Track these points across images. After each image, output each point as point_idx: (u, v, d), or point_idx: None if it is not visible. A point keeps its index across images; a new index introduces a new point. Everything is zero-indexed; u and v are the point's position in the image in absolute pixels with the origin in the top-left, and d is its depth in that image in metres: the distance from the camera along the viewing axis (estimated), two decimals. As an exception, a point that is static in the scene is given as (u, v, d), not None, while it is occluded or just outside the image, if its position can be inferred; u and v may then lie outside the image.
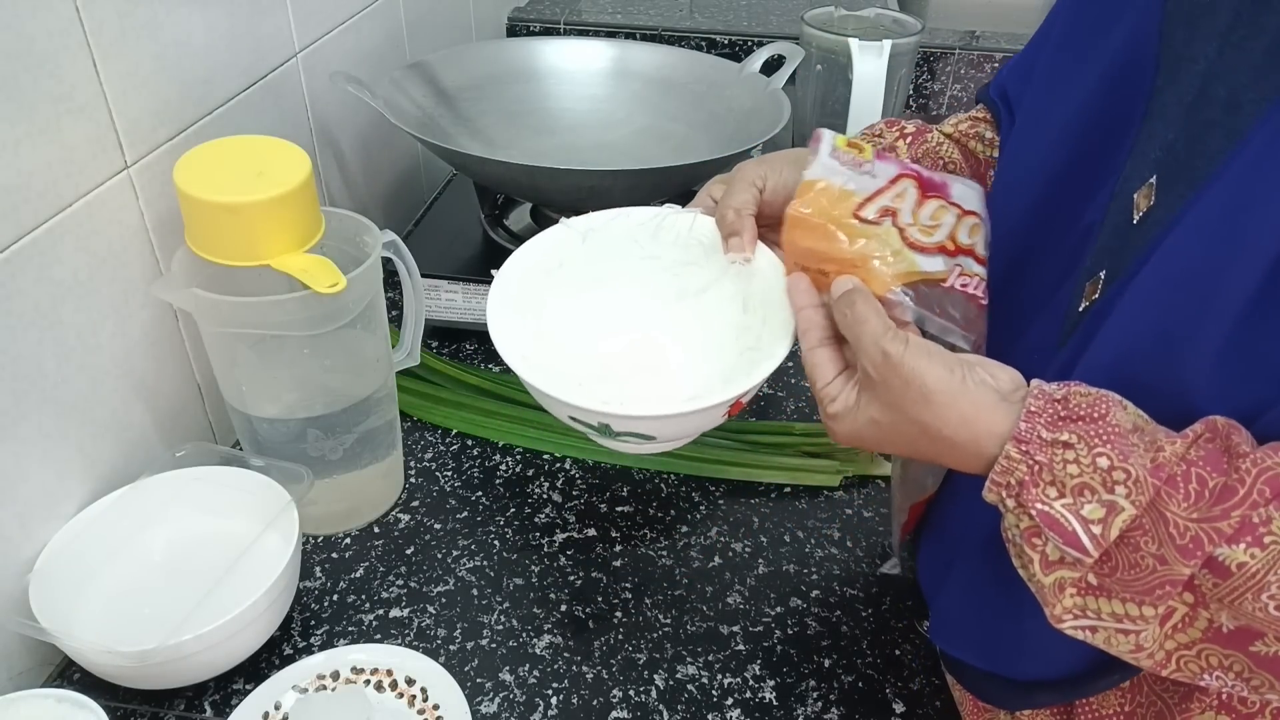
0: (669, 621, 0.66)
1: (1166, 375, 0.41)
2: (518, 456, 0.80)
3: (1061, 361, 0.48)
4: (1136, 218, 0.45)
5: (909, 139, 0.64)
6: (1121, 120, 0.47)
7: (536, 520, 0.74)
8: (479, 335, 0.93)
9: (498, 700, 0.61)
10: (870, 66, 0.99)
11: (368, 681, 0.60)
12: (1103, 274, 0.46)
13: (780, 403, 0.86)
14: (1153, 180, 0.44)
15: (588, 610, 0.67)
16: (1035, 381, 0.43)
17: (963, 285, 0.51)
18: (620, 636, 0.65)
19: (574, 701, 0.61)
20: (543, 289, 0.58)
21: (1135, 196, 0.45)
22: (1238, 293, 0.38)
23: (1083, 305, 0.47)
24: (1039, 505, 0.40)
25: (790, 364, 0.90)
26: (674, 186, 0.91)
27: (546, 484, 0.77)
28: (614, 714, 0.60)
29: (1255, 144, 0.38)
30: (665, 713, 0.60)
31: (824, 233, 0.51)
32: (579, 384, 0.53)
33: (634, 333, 0.58)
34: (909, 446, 0.46)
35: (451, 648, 0.64)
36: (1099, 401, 0.41)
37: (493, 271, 0.57)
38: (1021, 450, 0.41)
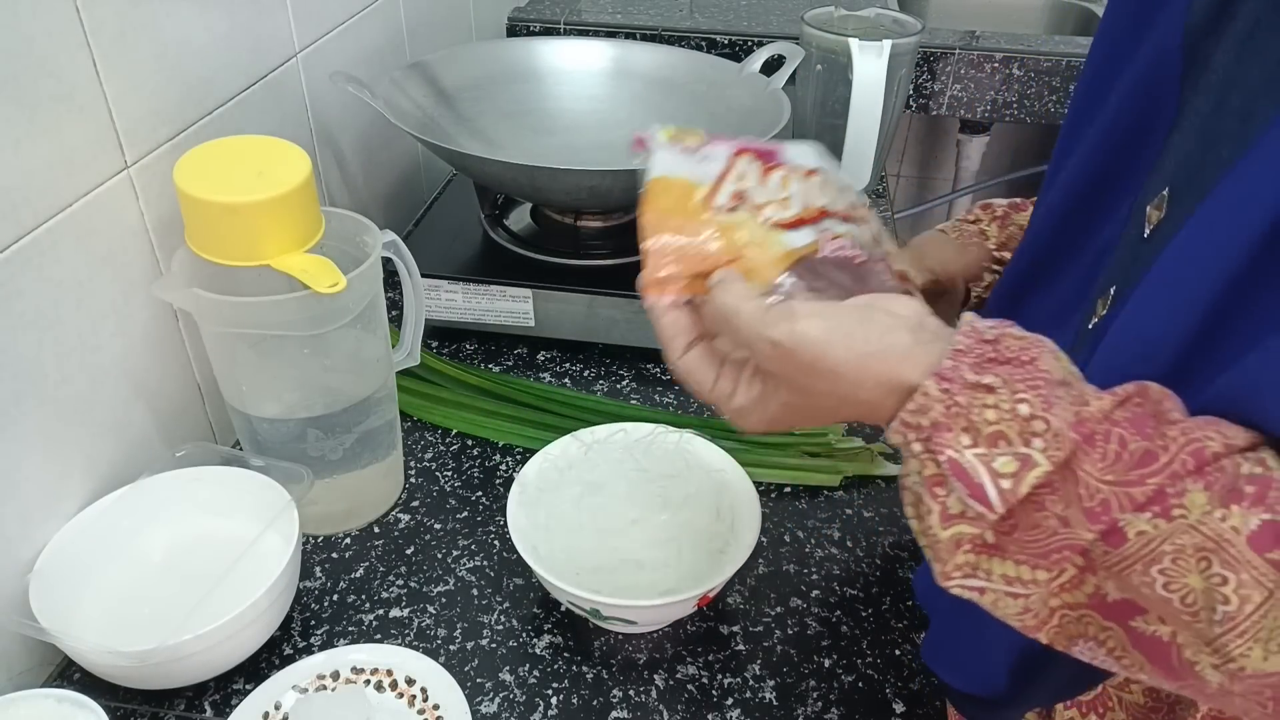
0: (668, 621, 0.66)
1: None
2: (518, 456, 0.80)
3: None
4: (1148, 231, 0.44)
5: (999, 220, 0.65)
6: (1144, 135, 0.47)
7: (536, 520, 0.74)
8: (479, 335, 0.93)
9: (498, 700, 0.61)
10: (870, 66, 0.98)
11: (368, 681, 0.60)
12: (1113, 290, 0.45)
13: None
14: (1165, 193, 0.43)
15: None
16: (968, 315, 0.41)
17: (836, 250, 0.48)
18: (620, 636, 0.65)
19: (574, 701, 0.61)
20: (553, 488, 0.69)
21: (1148, 210, 0.44)
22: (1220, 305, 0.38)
23: (1092, 322, 0.47)
24: (949, 451, 0.37)
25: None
26: (674, 186, 0.91)
27: (546, 484, 0.77)
28: (614, 714, 0.60)
29: (1260, 151, 0.37)
30: (665, 713, 0.60)
31: (685, 228, 0.48)
32: (576, 573, 0.63)
33: (623, 533, 0.67)
34: (831, 415, 0.44)
35: (451, 648, 0.64)
36: (1031, 346, 0.39)
37: (514, 474, 0.69)
38: (942, 388, 0.38)
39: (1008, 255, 0.65)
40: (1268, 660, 0.33)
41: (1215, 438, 0.35)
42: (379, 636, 0.65)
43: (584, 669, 0.63)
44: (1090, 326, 0.47)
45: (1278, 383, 0.32)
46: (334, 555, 0.71)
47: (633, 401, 0.86)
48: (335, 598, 0.68)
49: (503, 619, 0.66)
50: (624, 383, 0.89)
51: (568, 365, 0.91)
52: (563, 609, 0.67)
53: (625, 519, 0.68)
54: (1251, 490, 0.33)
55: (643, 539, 0.67)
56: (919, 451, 0.39)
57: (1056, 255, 0.53)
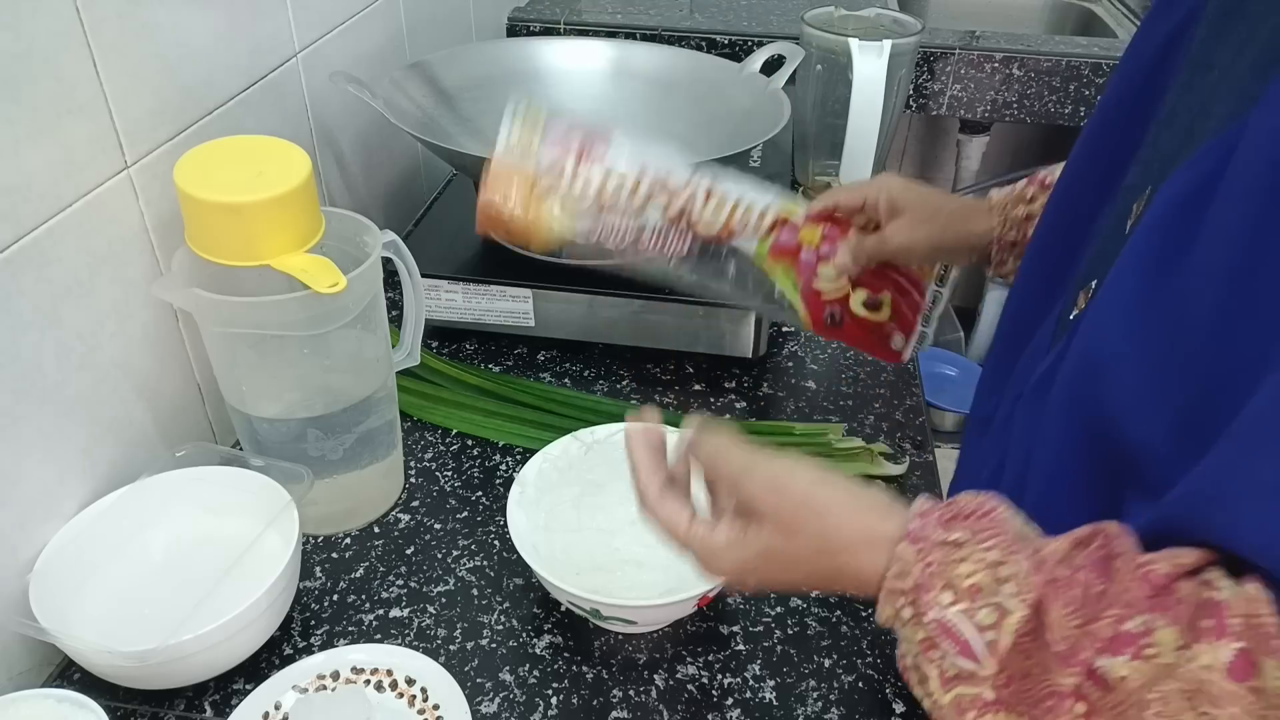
0: (668, 622, 0.66)
1: (1113, 389, 0.40)
2: (518, 456, 0.80)
3: (1044, 368, 0.47)
4: (1128, 227, 0.44)
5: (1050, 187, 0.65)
6: (1140, 124, 0.47)
7: (536, 520, 0.74)
8: (479, 335, 0.93)
9: (498, 700, 0.61)
10: (870, 66, 0.98)
11: (368, 681, 0.60)
12: (1094, 283, 0.46)
13: (780, 403, 0.86)
14: (1148, 190, 0.43)
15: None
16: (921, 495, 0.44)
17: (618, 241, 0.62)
18: (620, 636, 0.65)
19: (574, 701, 0.61)
20: (553, 487, 0.69)
21: (1134, 205, 0.44)
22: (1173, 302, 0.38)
23: (1074, 313, 0.47)
24: (933, 611, 0.39)
25: (790, 363, 0.90)
26: (674, 186, 0.91)
27: (546, 484, 0.77)
28: (614, 714, 0.60)
29: (1206, 149, 0.37)
30: (665, 713, 0.60)
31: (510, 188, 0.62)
32: (576, 573, 0.64)
33: (623, 533, 0.68)
34: (808, 567, 0.45)
35: (451, 648, 0.64)
36: (986, 501, 0.41)
37: (514, 474, 0.69)
38: (916, 550, 0.40)
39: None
40: None
41: (1161, 561, 0.36)
42: (379, 636, 0.65)
43: (584, 669, 0.63)
44: (1071, 318, 0.47)
45: (1231, 494, 0.32)
46: (334, 555, 0.71)
47: (633, 401, 0.86)
48: (335, 598, 0.68)
49: (503, 619, 0.66)
50: (624, 383, 0.89)
51: (568, 365, 0.91)
52: (563, 609, 0.67)
53: (625, 519, 0.68)
54: (1210, 624, 0.34)
55: (643, 539, 0.67)
56: (909, 618, 0.40)
57: (1058, 242, 0.53)
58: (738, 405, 0.86)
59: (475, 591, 0.68)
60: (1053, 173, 0.66)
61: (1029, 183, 0.68)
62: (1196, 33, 0.44)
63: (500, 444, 0.81)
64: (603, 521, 0.68)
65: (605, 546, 0.67)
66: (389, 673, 0.61)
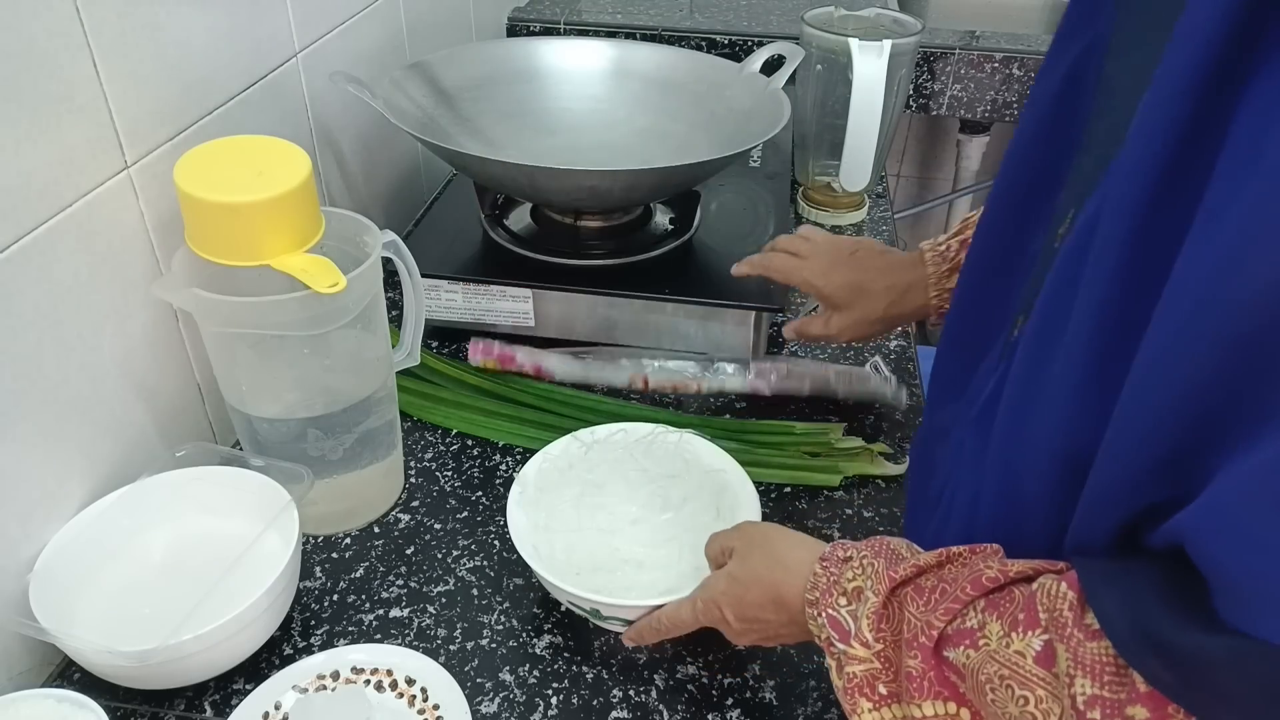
0: (669, 621, 0.66)
1: (1044, 414, 0.42)
2: (518, 456, 0.80)
3: (989, 390, 0.48)
4: (1057, 242, 0.45)
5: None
6: (1061, 154, 0.48)
7: (536, 520, 0.74)
8: (479, 335, 0.93)
9: (498, 700, 0.61)
10: (870, 66, 0.98)
11: (368, 681, 0.60)
12: (1035, 303, 0.46)
13: (780, 402, 0.86)
14: (1072, 213, 0.44)
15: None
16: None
17: None
18: (620, 636, 0.65)
19: (574, 701, 0.61)
20: (553, 487, 0.69)
21: (1059, 230, 0.45)
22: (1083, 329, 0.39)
23: (1014, 334, 0.48)
24: (829, 611, 0.47)
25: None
26: (674, 186, 0.91)
27: (546, 484, 0.77)
28: (614, 714, 0.60)
29: (1120, 164, 0.38)
30: (665, 713, 0.60)
31: None
32: (576, 573, 0.64)
33: (623, 533, 0.68)
34: (757, 587, 0.53)
35: (451, 648, 0.64)
36: (886, 537, 0.49)
37: (514, 474, 0.70)
38: (822, 566, 0.49)
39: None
40: None
41: (993, 566, 0.42)
42: (379, 636, 0.65)
43: (584, 669, 0.63)
44: (1012, 339, 0.48)
45: (1221, 526, 0.32)
46: (334, 555, 0.71)
47: (632, 400, 0.86)
48: (335, 598, 0.68)
49: (503, 619, 0.66)
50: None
51: (568, 365, 0.91)
52: (562, 609, 0.67)
53: (625, 519, 0.68)
54: (1024, 616, 0.39)
55: (643, 539, 0.67)
56: (820, 623, 0.48)
57: (998, 263, 0.53)
58: (738, 405, 0.86)
59: (475, 591, 0.68)
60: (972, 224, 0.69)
61: (960, 246, 0.70)
62: (1106, 62, 0.45)
63: (500, 444, 0.81)
64: (603, 521, 0.68)
65: (605, 546, 0.67)
66: (389, 673, 0.61)
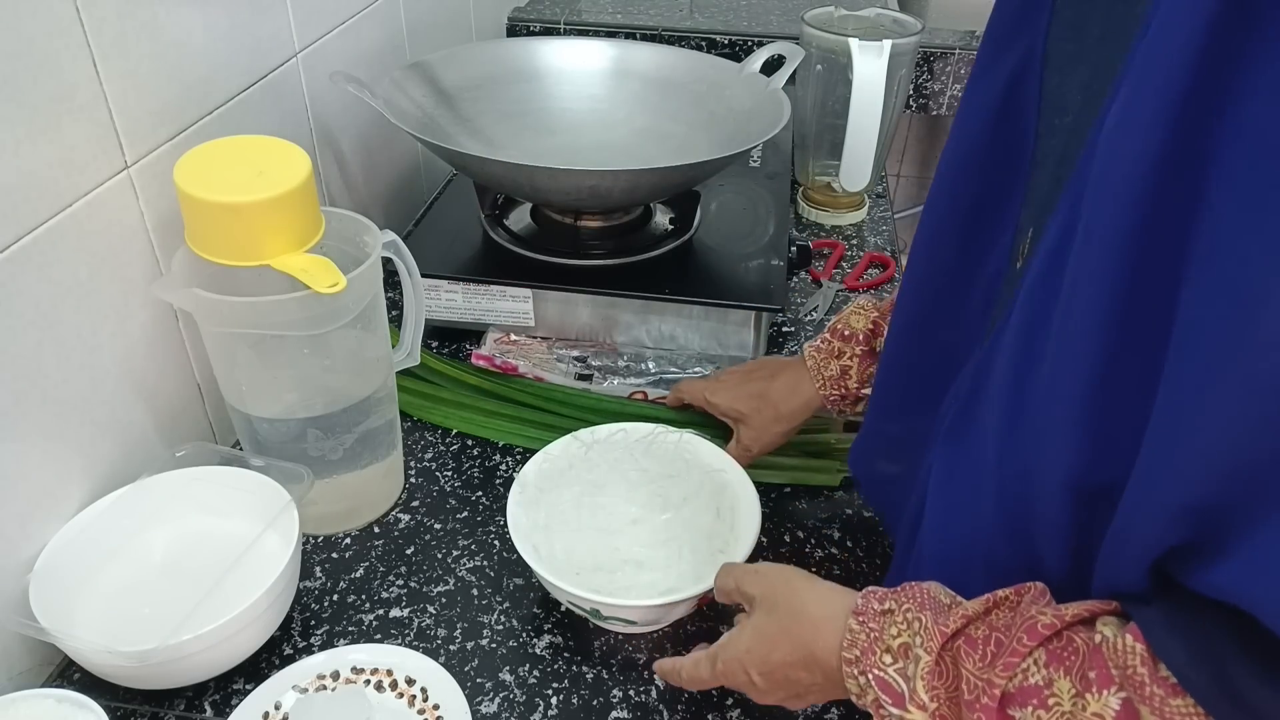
0: (668, 621, 0.66)
1: (1048, 445, 0.41)
2: (518, 456, 0.80)
3: (958, 408, 0.48)
4: (1020, 262, 0.45)
5: (862, 355, 0.70)
6: (1009, 169, 0.47)
7: (536, 520, 0.74)
8: (479, 335, 0.93)
9: (498, 700, 0.61)
10: (870, 66, 0.98)
11: (368, 681, 0.60)
12: (995, 321, 0.47)
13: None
14: (1030, 232, 0.44)
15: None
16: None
17: None
18: (620, 636, 0.65)
19: (574, 701, 0.61)
20: (553, 487, 0.69)
21: (1020, 246, 0.45)
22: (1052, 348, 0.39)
23: (980, 357, 0.48)
24: (875, 672, 0.44)
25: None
26: (674, 186, 0.91)
27: (546, 484, 0.77)
28: (614, 714, 0.60)
29: (1074, 181, 0.38)
30: (665, 713, 0.60)
31: None
32: (576, 573, 0.64)
33: (624, 533, 0.68)
34: (785, 642, 0.49)
35: (451, 648, 0.64)
36: (923, 582, 0.46)
37: (514, 474, 0.70)
38: (859, 621, 0.46)
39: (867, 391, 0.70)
40: None
41: (1047, 613, 0.40)
42: (379, 636, 0.65)
43: (584, 669, 0.63)
44: (979, 361, 0.48)
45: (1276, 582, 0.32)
46: (334, 555, 0.71)
47: (634, 399, 0.86)
48: (335, 598, 0.68)
49: (503, 619, 0.66)
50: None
51: (568, 365, 0.91)
52: (562, 609, 0.67)
53: (625, 519, 0.68)
54: (1095, 675, 0.37)
55: (643, 539, 0.67)
56: (863, 684, 0.45)
57: (952, 287, 0.53)
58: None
59: (475, 591, 0.68)
60: (847, 322, 0.71)
61: (832, 336, 0.71)
62: (1047, 76, 0.45)
63: (500, 444, 0.81)
64: (603, 521, 0.68)
65: (605, 546, 0.67)
66: (389, 673, 0.61)
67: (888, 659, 0.44)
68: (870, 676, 0.44)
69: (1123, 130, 0.34)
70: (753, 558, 0.70)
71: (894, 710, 0.43)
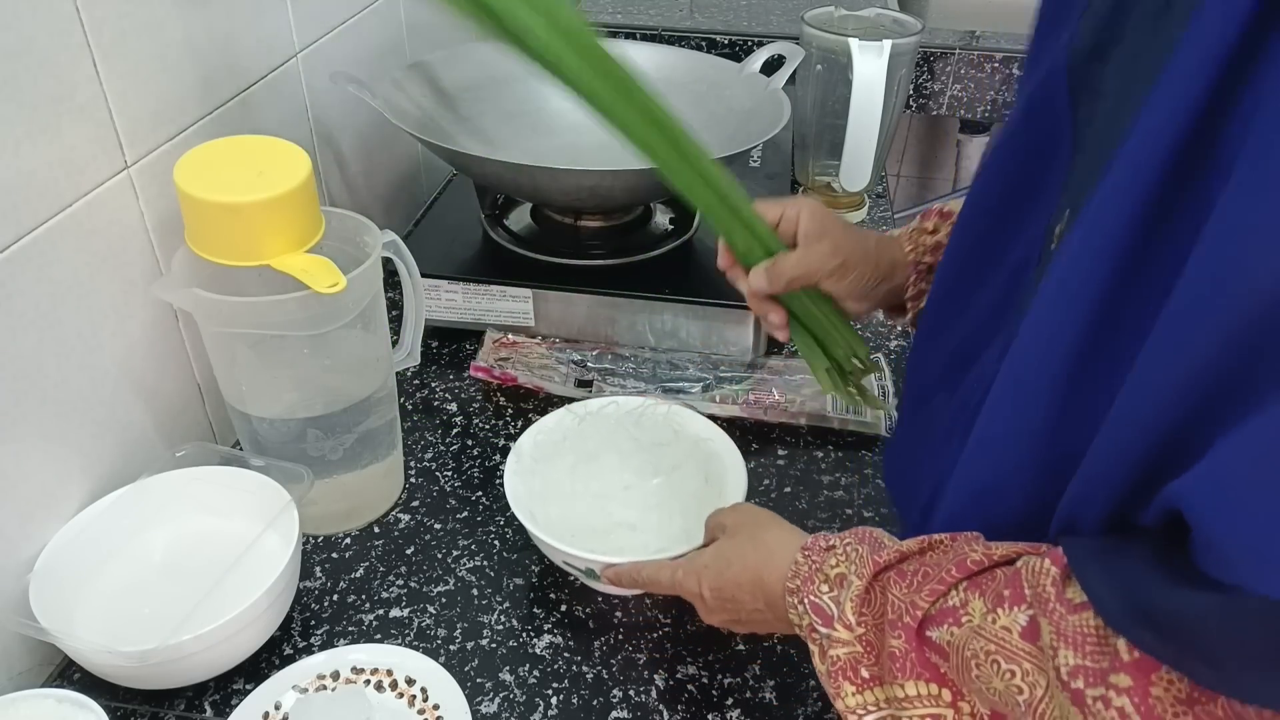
0: (669, 621, 0.66)
1: (1025, 403, 0.43)
2: (518, 456, 0.80)
3: (985, 388, 0.48)
4: (1053, 247, 0.46)
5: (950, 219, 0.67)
6: (1043, 157, 0.48)
7: (536, 520, 0.74)
8: (479, 335, 0.93)
9: (498, 700, 0.61)
10: (870, 66, 0.98)
11: (368, 681, 0.60)
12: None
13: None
14: (1067, 214, 0.45)
15: (588, 610, 0.67)
16: None
17: None
18: (620, 636, 0.65)
19: (574, 701, 0.61)
20: (548, 457, 0.72)
21: (1057, 230, 0.46)
22: (1077, 331, 0.40)
23: (1013, 340, 0.48)
24: (811, 598, 0.48)
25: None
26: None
27: (546, 484, 0.77)
28: (614, 714, 0.60)
29: (1121, 161, 0.38)
30: (665, 713, 0.60)
31: None
32: (572, 534, 0.65)
33: (616, 497, 0.71)
34: (738, 564, 0.54)
35: (451, 648, 0.64)
36: (866, 527, 0.50)
37: (510, 445, 0.72)
38: (804, 554, 0.50)
39: None
40: None
41: (977, 549, 0.43)
42: (379, 636, 0.65)
43: (584, 669, 0.63)
44: (1006, 339, 0.48)
45: (1218, 484, 0.33)
46: (334, 555, 0.71)
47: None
48: (335, 598, 0.68)
49: (503, 619, 0.66)
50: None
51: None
52: (563, 609, 0.67)
53: (618, 485, 0.71)
54: (1009, 592, 0.39)
55: (635, 503, 0.70)
56: (800, 611, 0.48)
57: (973, 274, 0.54)
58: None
59: (475, 591, 0.68)
60: (946, 203, 0.69)
61: (926, 216, 0.69)
62: (1080, 64, 0.46)
63: (500, 444, 0.81)
64: (596, 488, 0.71)
65: (599, 511, 0.69)
66: (389, 673, 0.61)
67: (824, 587, 0.48)
68: (806, 603, 0.48)
69: (1155, 113, 0.35)
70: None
71: (823, 629, 0.46)
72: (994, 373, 0.48)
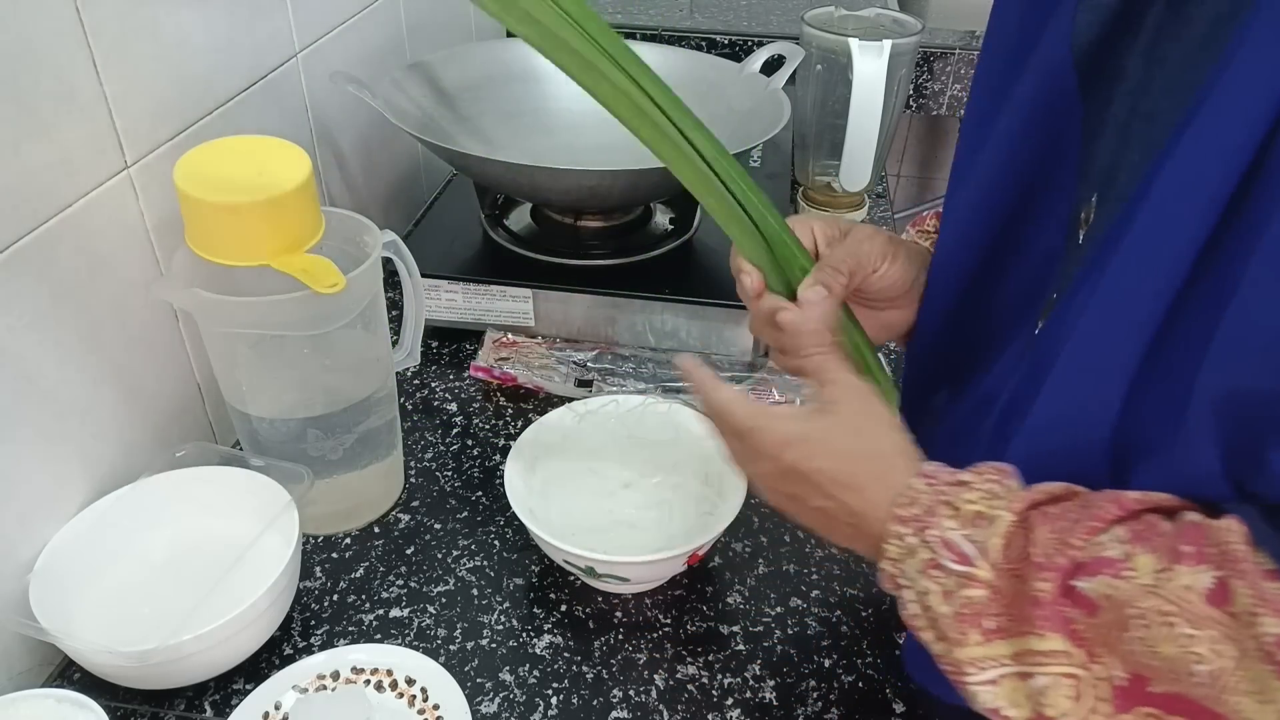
0: (669, 621, 0.66)
1: (1090, 393, 0.42)
2: (518, 456, 0.80)
3: (1017, 383, 0.48)
4: (1081, 236, 0.46)
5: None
6: (1055, 146, 0.48)
7: (536, 520, 0.74)
8: (479, 335, 0.93)
9: (498, 700, 0.61)
10: (870, 66, 0.98)
11: (368, 681, 0.60)
12: (1055, 296, 0.47)
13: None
14: (1093, 199, 0.45)
15: (588, 610, 0.67)
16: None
17: None
18: (620, 636, 0.65)
19: (574, 701, 0.61)
20: (549, 455, 0.72)
21: (1081, 215, 0.46)
22: (1150, 315, 0.39)
23: (1039, 327, 0.48)
24: (937, 531, 0.42)
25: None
26: (674, 186, 0.91)
27: (546, 484, 0.77)
28: (614, 714, 0.60)
29: (1184, 147, 0.38)
30: (665, 713, 0.60)
31: None
32: (572, 534, 0.65)
33: (616, 495, 0.71)
34: (833, 461, 0.47)
35: (451, 648, 0.64)
36: (995, 463, 0.44)
37: (510, 445, 0.71)
38: (928, 482, 0.44)
39: None
40: (1260, 712, 0.34)
41: (1133, 494, 0.39)
42: (379, 636, 0.65)
43: (584, 669, 0.63)
44: (1036, 333, 0.48)
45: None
46: (334, 555, 0.71)
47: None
48: (335, 598, 0.68)
49: (503, 619, 0.66)
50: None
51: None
52: (563, 609, 0.67)
53: (618, 483, 0.71)
54: (1190, 549, 0.36)
55: (635, 501, 0.70)
56: (915, 544, 0.43)
57: (992, 269, 0.53)
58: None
59: (475, 591, 0.68)
60: (938, 209, 0.67)
61: (919, 222, 0.68)
62: (1114, 58, 0.46)
63: (500, 444, 0.81)
64: (596, 485, 0.71)
65: (599, 509, 0.69)
66: (389, 673, 0.61)
67: (953, 523, 0.42)
68: (932, 538, 0.42)
69: (1231, 108, 0.36)
70: (753, 558, 0.70)
71: (957, 567, 0.41)
72: (1018, 369, 0.47)
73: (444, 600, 0.67)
